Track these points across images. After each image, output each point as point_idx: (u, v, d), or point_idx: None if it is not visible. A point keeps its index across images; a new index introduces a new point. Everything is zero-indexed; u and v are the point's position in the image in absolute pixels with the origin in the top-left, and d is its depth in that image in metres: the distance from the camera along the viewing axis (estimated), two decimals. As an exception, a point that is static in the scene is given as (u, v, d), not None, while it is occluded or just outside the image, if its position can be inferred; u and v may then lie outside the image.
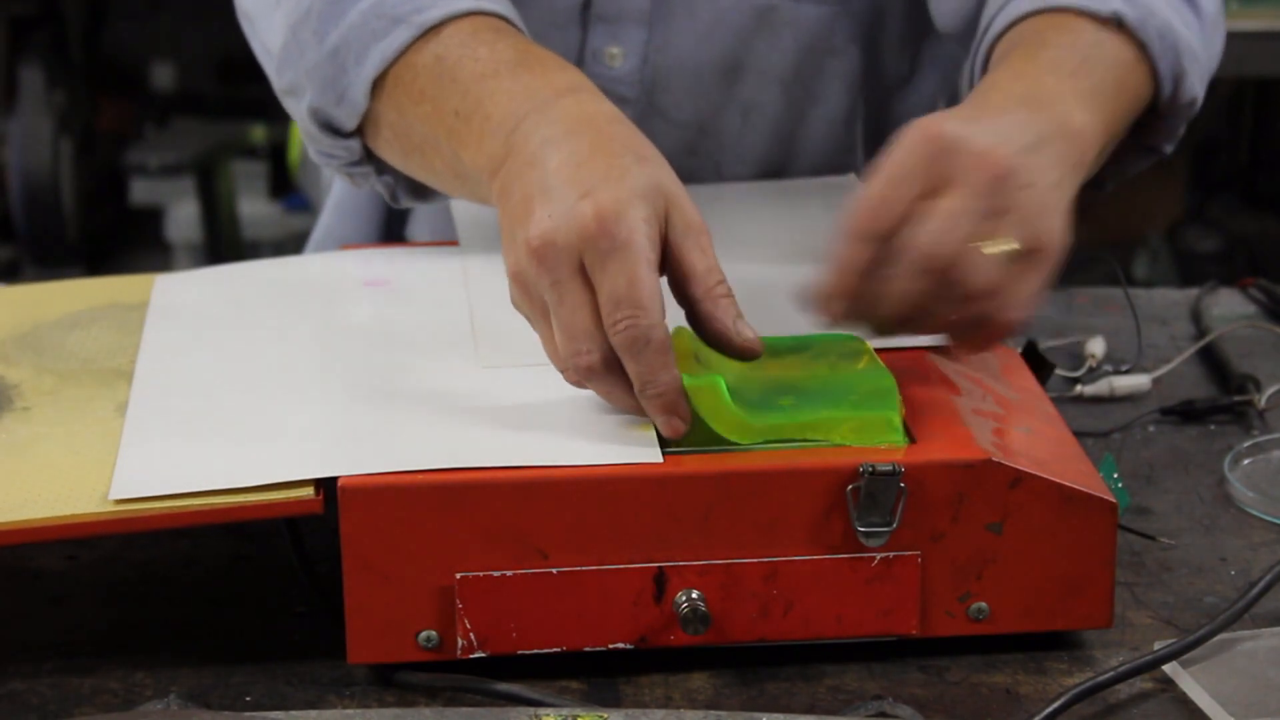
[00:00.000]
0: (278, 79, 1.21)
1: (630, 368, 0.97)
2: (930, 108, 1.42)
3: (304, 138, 1.22)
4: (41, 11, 3.42)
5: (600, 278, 0.96)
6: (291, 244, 3.39)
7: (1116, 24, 1.16)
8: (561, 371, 0.99)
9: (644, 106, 1.33)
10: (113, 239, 3.52)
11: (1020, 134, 1.02)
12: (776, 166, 1.37)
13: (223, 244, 3.44)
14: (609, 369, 0.98)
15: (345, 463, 0.95)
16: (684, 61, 1.33)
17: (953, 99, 1.43)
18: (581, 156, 1.01)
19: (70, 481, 0.97)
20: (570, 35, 1.32)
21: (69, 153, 3.33)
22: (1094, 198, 1.24)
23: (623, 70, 1.33)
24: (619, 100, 1.31)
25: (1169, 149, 1.23)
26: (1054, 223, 1.01)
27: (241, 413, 1.02)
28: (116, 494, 0.95)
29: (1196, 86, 1.19)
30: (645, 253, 0.96)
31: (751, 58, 1.33)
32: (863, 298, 1.00)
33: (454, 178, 1.14)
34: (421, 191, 1.22)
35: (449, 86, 1.12)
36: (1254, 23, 2.70)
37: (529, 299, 1.00)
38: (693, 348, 1.01)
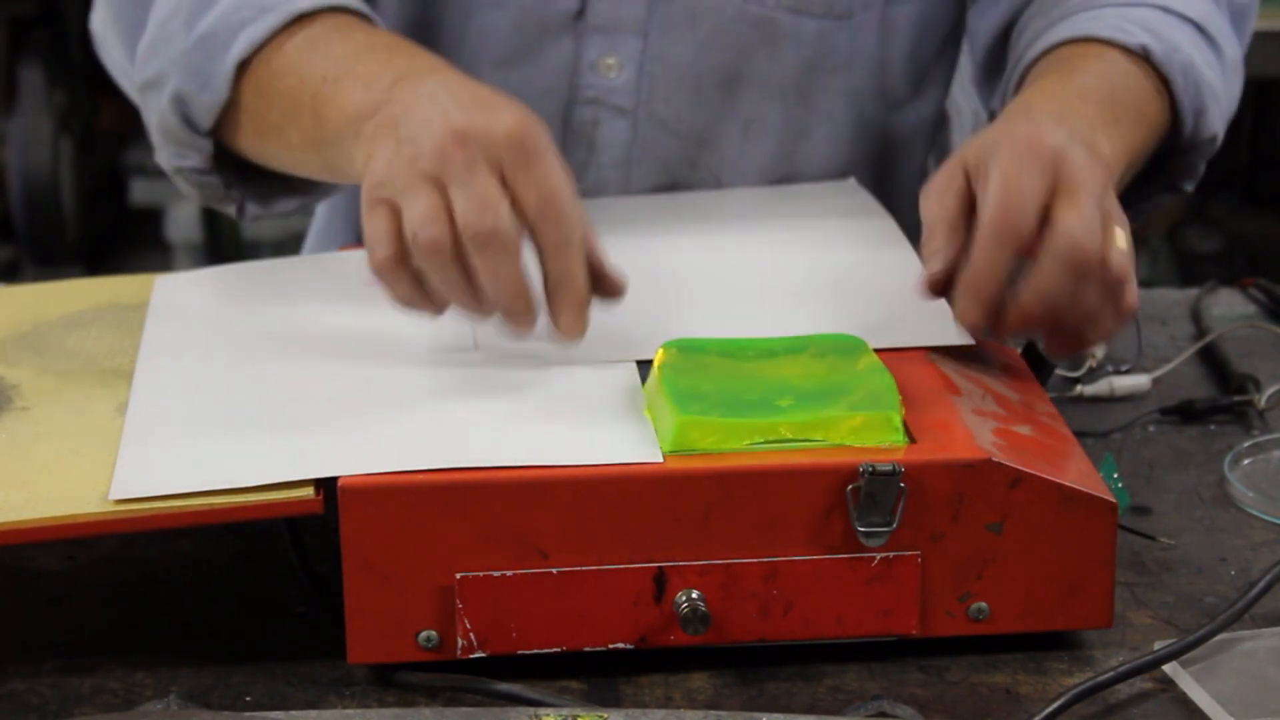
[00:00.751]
0: (140, 73, 1.22)
1: (549, 265, 1.01)
2: (931, 127, 1.42)
3: (157, 141, 1.22)
4: (41, 11, 3.42)
5: (524, 176, 1.01)
6: (291, 244, 3.39)
7: (1144, 56, 1.20)
8: (432, 242, 1.00)
9: (642, 118, 1.33)
10: (113, 239, 3.52)
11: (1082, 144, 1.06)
12: (777, 181, 1.36)
13: (223, 244, 3.44)
14: (507, 242, 0.99)
15: (345, 463, 0.95)
16: (682, 72, 1.33)
17: (945, 117, 1.44)
18: (484, 94, 1.05)
19: (70, 481, 0.97)
20: (564, 46, 1.32)
21: (69, 153, 3.33)
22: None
23: (619, 81, 1.32)
24: (616, 111, 1.32)
25: (1189, 187, 1.27)
26: (1125, 219, 1.05)
27: (241, 413, 1.02)
28: (116, 494, 0.95)
29: (1217, 124, 1.23)
30: (560, 163, 1.02)
31: (750, 70, 1.33)
32: (999, 299, 1.03)
33: (309, 147, 1.15)
34: (268, 199, 1.25)
35: (319, 60, 1.15)
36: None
37: (414, 171, 1.02)
38: (675, 371, 1.01)
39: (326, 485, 0.95)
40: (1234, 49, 1.28)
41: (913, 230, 1.15)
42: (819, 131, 1.36)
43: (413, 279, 1.02)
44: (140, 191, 3.49)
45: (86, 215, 3.39)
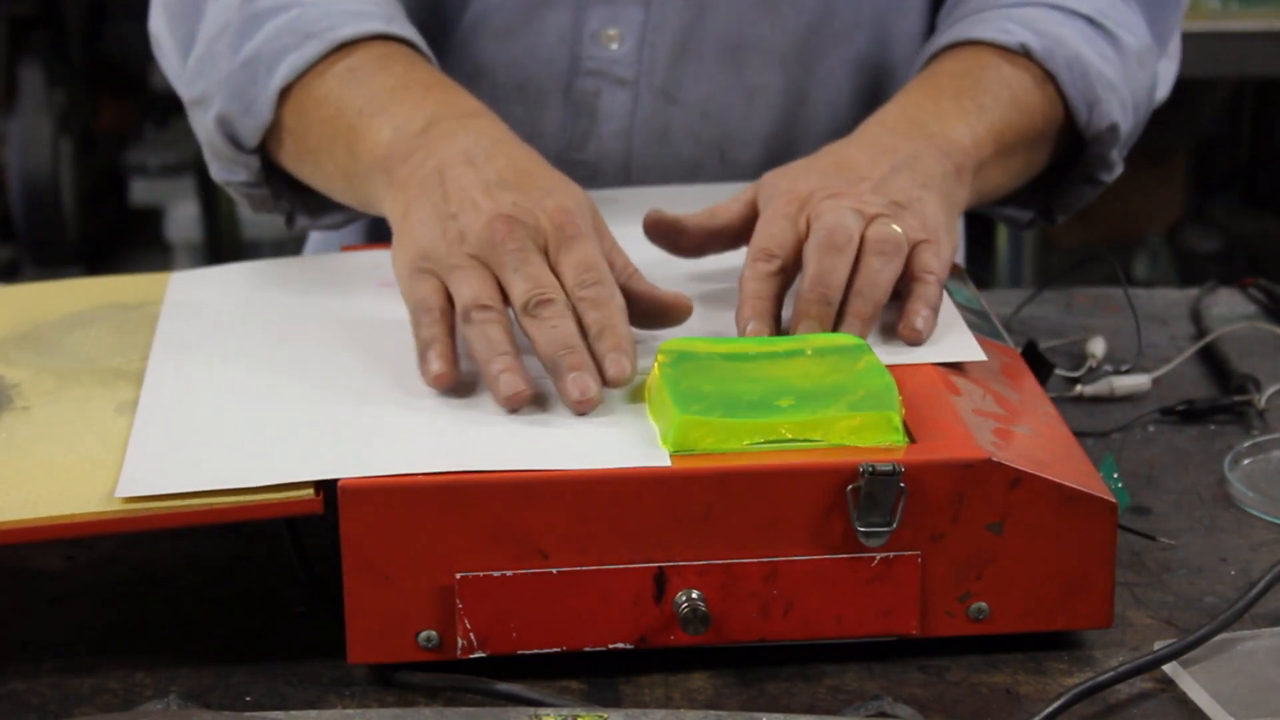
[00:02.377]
0: (188, 90, 1.25)
1: (590, 317, 1.04)
2: None
3: (207, 155, 1.26)
4: (41, 11, 3.42)
5: (565, 255, 1.06)
6: (291, 244, 3.37)
7: (1024, 54, 1.24)
8: (478, 320, 1.04)
9: (643, 88, 1.34)
10: (113, 239, 3.52)
11: (883, 163, 1.15)
12: (781, 150, 1.37)
13: (223, 244, 3.44)
14: (564, 307, 1.04)
15: (346, 464, 0.95)
16: (683, 41, 1.34)
17: None
18: (522, 165, 1.11)
19: (70, 481, 0.97)
20: (564, 17, 1.33)
21: (69, 153, 3.33)
22: (1046, 224, 1.35)
23: (621, 52, 1.33)
24: (618, 82, 1.34)
25: (1107, 178, 1.30)
26: (924, 220, 1.12)
27: (248, 413, 1.02)
28: (123, 492, 0.95)
29: (1114, 113, 1.26)
30: (598, 243, 1.08)
31: (752, 38, 1.34)
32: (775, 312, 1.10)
33: (341, 178, 1.19)
34: (316, 212, 1.28)
35: (356, 91, 1.18)
36: (1254, 23, 2.70)
37: (462, 253, 1.06)
38: (674, 376, 1.01)
39: (326, 485, 0.95)
40: (1139, 39, 1.30)
41: None
42: (821, 98, 1.37)
43: (449, 342, 1.05)
44: (140, 191, 3.49)
45: (86, 215, 3.39)
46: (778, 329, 1.08)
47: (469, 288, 1.05)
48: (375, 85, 1.18)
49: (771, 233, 1.11)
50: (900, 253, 1.09)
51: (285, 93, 1.20)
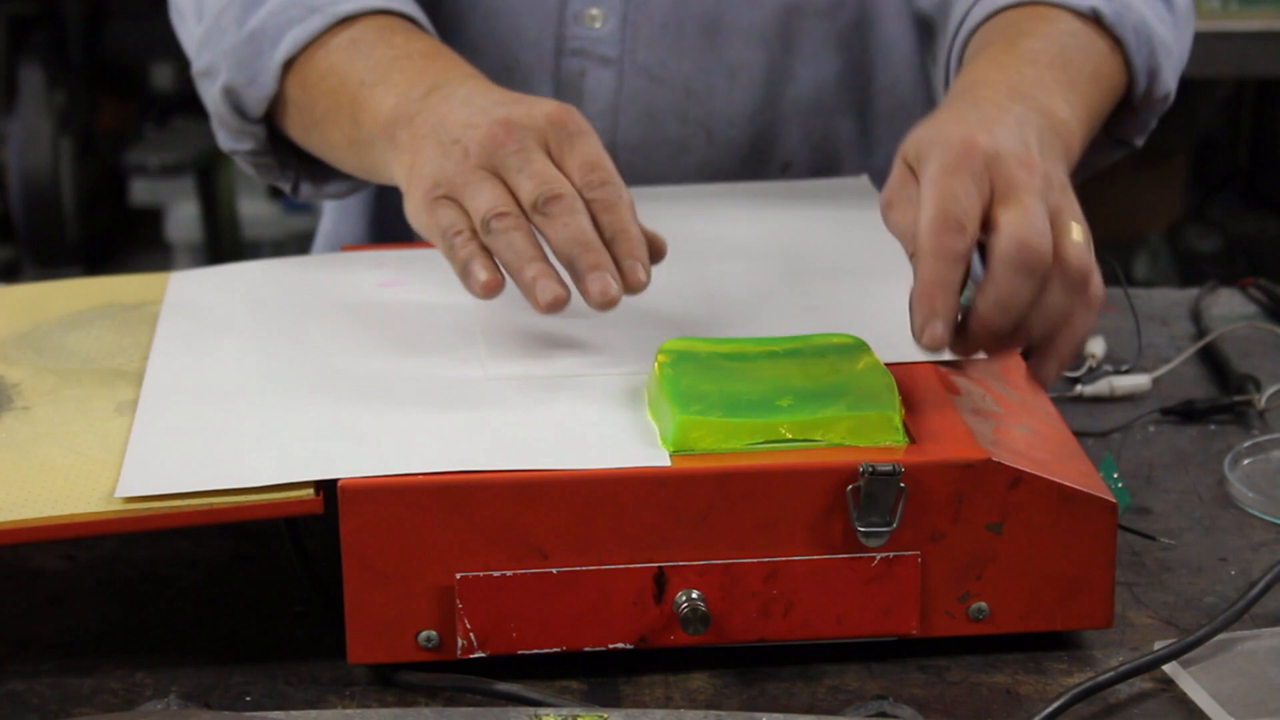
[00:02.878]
0: (196, 61, 1.27)
1: (603, 220, 1.04)
2: (915, 73, 1.42)
3: (214, 125, 1.28)
4: (41, 11, 3.42)
5: (569, 152, 1.07)
6: (291, 244, 3.39)
7: (1094, 18, 1.17)
8: (501, 221, 1.04)
9: (627, 67, 1.35)
10: (113, 239, 3.52)
11: (1031, 134, 1.02)
12: (765, 129, 1.37)
13: (223, 244, 3.44)
14: (573, 201, 1.04)
15: (346, 464, 0.95)
16: (664, 21, 1.35)
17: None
18: (515, 94, 1.12)
19: (70, 481, 0.97)
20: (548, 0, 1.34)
21: (69, 153, 3.33)
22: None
23: (604, 31, 1.35)
24: (602, 61, 1.35)
25: (1139, 142, 1.25)
26: (1079, 211, 1.01)
27: (247, 413, 1.02)
28: (123, 492, 0.95)
29: (1170, 81, 1.21)
30: (599, 141, 1.08)
31: (732, 15, 1.35)
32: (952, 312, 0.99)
33: (347, 147, 1.20)
34: (320, 180, 1.29)
35: (359, 62, 1.19)
36: (1254, 23, 2.70)
37: (469, 166, 1.07)
38: (675, 374, 1.01)
39: (326, 485, 0.95)
40: None
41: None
42: (805, 76, 1.37)
43: (485, 254, 1.05)
44: (140, 191, 3.49)
45: (86, 215, 3.39)
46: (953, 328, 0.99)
47: (482, 198, 1.06)
48: (377, 56, 1.19)
49: (955, 193, 0.97)
50: (1090, 284, 0.99)
51: (289, 65, 1.21)
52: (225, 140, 1.27)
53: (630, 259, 1.04)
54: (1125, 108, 1.22)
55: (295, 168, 1.28)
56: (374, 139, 1.16)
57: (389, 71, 1.17)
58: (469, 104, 1.11)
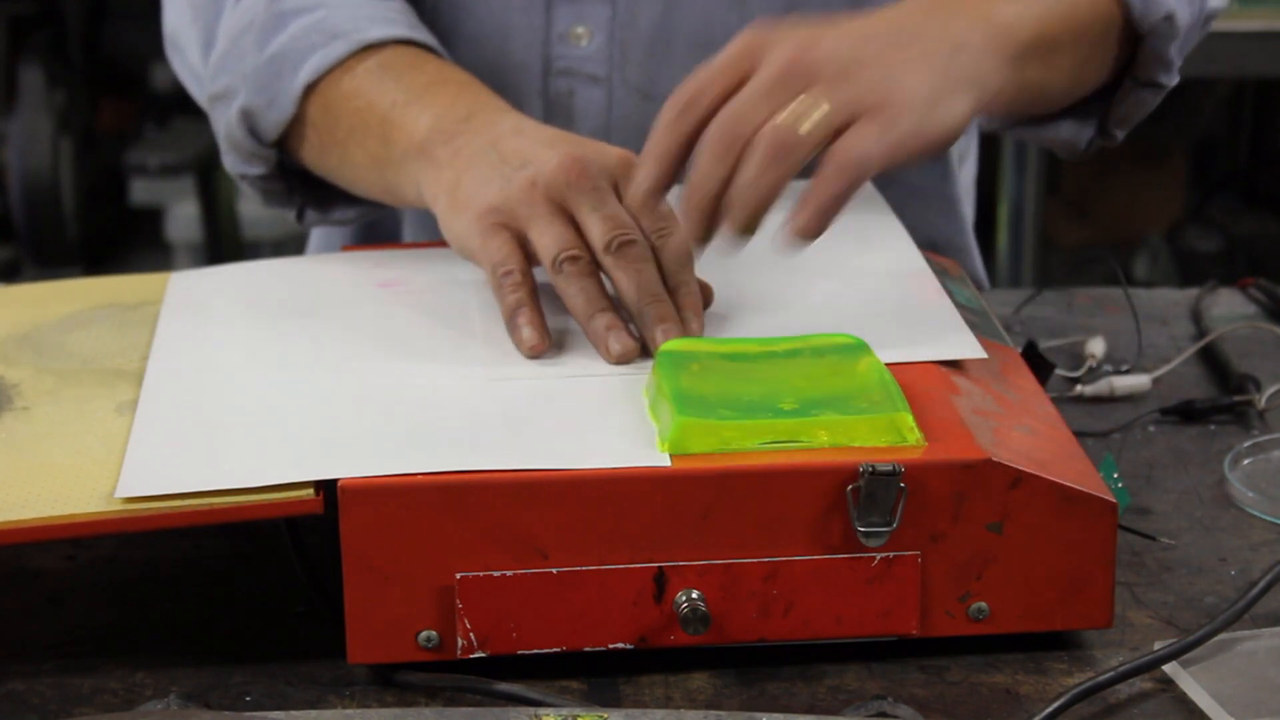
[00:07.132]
0: (211, 83, 1.27)
1: (669, 269, 1.06)
2: None
3: (225, 149, 1.27)
4: (41, 11, 3.42)
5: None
6: (291, 244, 3.39)
7: None
8: (569, 266, 1.06)
9: (616, 85, 1.34)
10: (113, 239, 3.52)
11: (883, 31, 1.05)
12: None
13: (223, 244, 3.44)
14: (645, 249, 1.06)
15: (346, 464, 0.95)
16: (653, 36, 1.34)
17: None
18: (567, 133, 1.12)
19: (70, 481, 0.97)
20: (535, 18, 1.34)
21: (69, 153, 3.33)
22: (1105, 146, 1.25)
23: (590, 49, 1.34)
24: (590, 79, 1.35)
25: (1167, 81, 1.23)
26: (892, 91, 1.02)
27: (247, 413, 1.02)
28: (123, 492, 0.95)
29: (1170, 1, 1.19)
30: None
31: (721, 31, 1.34)
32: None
33: (372, 167, 1.19)
34: (327, 207, 1.29)
35: (390, 85, 1.19)
36: (1254, 23, 2.70)
37: (536, 198, 1.07)
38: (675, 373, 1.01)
39: (326, 485, 0.95)
40: None
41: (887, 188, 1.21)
42: None
43: (534, 304, 1.06)
44: (140, 191, 3.49)
45: (86, 215, 3.39)
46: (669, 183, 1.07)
47: (553, 236, 1.06)
48: (410, 80, 1.19)
49: (699, 74, 1.06)
50: (791, 156, 1.02)
51: (310, 89, 1.21)
52: (235, 164, 1.27)
53: (689, 311, 1.06)
54: (1138, 45, 1.20)
55: (302, 193, 1.28)
56: (405, 156, 1.16)
57: (423, 94, 1.17)
58: (521, 133, 1.11)
